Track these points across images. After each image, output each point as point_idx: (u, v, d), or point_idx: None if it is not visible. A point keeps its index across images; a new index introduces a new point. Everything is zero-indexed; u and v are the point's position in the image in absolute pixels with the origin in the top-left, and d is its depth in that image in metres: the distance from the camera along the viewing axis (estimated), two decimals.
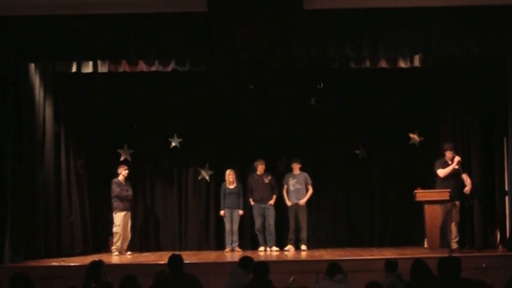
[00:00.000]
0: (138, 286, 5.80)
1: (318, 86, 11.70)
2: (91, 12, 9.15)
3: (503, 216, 9.97)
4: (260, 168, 11.12)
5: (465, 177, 9.91)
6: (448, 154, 9.97)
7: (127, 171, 10.91)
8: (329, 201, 11.81)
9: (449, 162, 9.94)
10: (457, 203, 9.87)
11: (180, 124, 11.81)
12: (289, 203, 11.02)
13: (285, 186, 11.11)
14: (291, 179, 11.09)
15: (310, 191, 11.08)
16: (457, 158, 9.86)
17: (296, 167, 11.10)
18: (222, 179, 11.37)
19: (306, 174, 11.09)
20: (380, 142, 11.78)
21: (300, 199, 10.99)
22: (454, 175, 9.92)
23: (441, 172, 9.91)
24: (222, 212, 11.17)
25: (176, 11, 9.16)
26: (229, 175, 11.13)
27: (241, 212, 11.16)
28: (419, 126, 11.71)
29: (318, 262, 8.61)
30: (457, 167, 9.86)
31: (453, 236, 9.79)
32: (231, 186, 11.14)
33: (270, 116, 11.69)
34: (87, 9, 9.11)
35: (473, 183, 9.96)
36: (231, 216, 11.08)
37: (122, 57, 9.89)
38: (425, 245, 10.09)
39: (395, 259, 6.73)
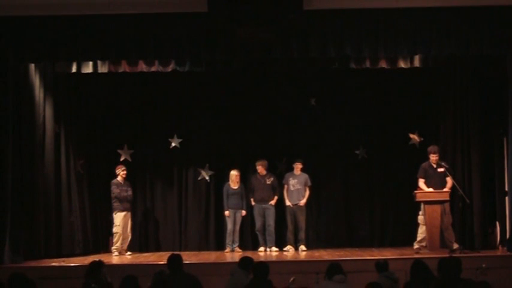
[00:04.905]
0: (138, 286, 5.81)
1: (311, 102, 11.72)
2: (91, 12, 9.15)
3: (503, 216, 9.97)
4: (259, 168, 11.10)
5: (448, 180, 9.88)
6: (432, 157, 9.95)
7: (125, 172, 10.88)
8: (329, 201, 11.79)
9: (434, 165, 9.93)
10: (446, 204, 9.79)
11: (180, 124, 11.80)
12: (288, 203, 11.00)
13: (285, 186, 11.08)
14: (291, 179, 11.05)
15: (308, 192, 11.05)
16: (449, 184, 9.83)
17: (298, 167, 11.05)
18: (222, 179, 11.38)
19: (306, 176, 11.06)
20: (380, 142, 11.76)
21: (301, 200, 10.98)
22: (439, 177, 9.89)
23: (421, 184, 9.93)
24: (226, 213, 11.12)
25: (176, 11, 9.16)
26: (235, 176, 11.11)
27: (244, 212, 11.16)
28: (419, 126, 11.70)
29: (317, 262, 8.61)
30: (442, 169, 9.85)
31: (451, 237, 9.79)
32: (235, 187, 11.13)
33: (270, 116, 11.69)
34: (87, 9, 9.11)
35: (457, 182, 9.92)
36: (234, 217, 11.08)
37: (122, 57, 9.87)
38: (416, 246, 10.03)
39: (385, 259, 6.72)
